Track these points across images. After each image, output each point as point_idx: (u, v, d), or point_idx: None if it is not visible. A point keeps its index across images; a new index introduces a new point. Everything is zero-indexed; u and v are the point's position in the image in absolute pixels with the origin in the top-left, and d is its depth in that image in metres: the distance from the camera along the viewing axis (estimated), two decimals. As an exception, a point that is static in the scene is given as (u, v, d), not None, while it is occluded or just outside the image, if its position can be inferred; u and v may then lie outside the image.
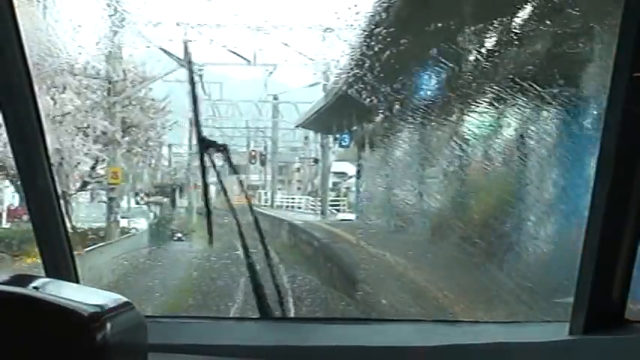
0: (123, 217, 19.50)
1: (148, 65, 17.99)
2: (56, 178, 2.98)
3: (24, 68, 2.82)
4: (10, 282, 1.63)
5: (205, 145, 3.27)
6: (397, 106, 8.91)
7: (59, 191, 2.98)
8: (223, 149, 3.31)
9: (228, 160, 3.39)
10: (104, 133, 17.92)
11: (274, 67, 17.96)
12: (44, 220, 2.93)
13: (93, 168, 19.01)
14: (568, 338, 2.58)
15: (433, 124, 8.78)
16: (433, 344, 2.71)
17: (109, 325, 1.50)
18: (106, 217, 18.29)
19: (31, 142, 2.87)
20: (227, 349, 2.75)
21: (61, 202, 3.00)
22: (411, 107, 8.83)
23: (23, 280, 1.66)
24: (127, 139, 18.85)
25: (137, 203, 23.71)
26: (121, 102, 17.85)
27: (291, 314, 4.74)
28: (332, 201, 22.58)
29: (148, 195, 24.20)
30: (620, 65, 2.32)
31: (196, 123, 3.58)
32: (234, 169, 3.71)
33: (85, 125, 16.79)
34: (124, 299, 1.60)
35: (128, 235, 19.37)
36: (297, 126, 22.73)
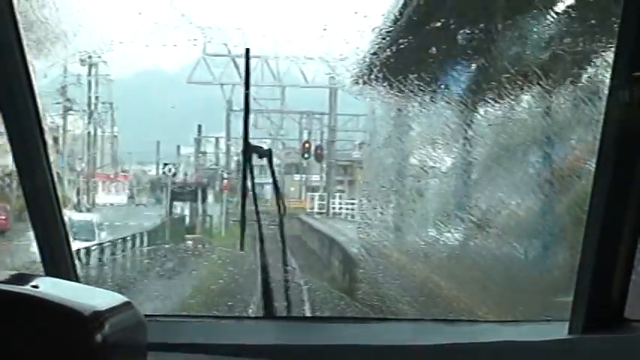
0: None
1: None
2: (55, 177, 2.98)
3: (24, 68, 2.82)
4: (9, 281, 1.64)
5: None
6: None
7: (58, 191, 2.98)
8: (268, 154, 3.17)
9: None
10: None
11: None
12: (44, 219, 2.94)
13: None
14: (568, 337, 2.58)
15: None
16: (433, 343, 2.72)
17: (108, 325, 1.50)
18: None
19: (31, 142, 2.88)
20: (226, 347, 2.76)
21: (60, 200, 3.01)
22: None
23: (23, 278, 1.66)
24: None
25: None
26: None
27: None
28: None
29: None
30: (619, 65, 2.33)
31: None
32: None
33: None
34: (124, 298, 1.61)
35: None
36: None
